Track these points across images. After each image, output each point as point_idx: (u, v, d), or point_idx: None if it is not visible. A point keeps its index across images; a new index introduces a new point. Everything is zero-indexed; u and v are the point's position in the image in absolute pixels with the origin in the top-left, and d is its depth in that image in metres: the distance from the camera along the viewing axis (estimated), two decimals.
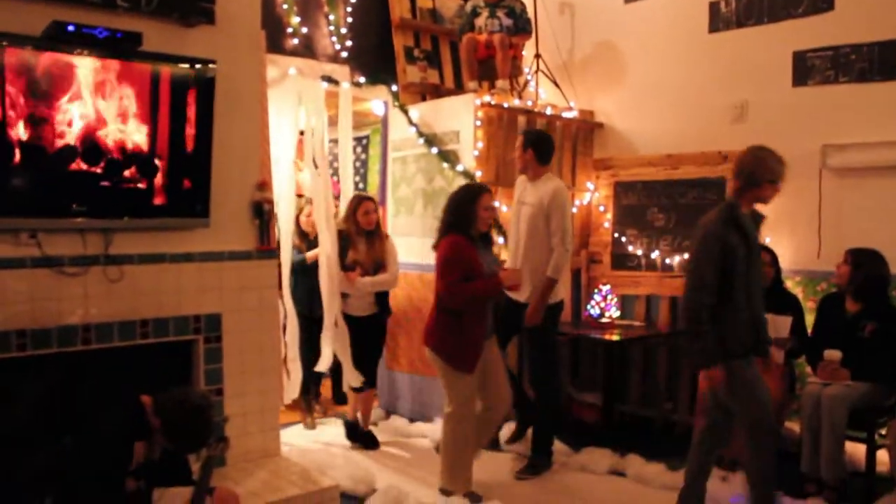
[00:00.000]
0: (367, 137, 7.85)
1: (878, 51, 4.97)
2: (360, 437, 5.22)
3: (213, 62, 3.95)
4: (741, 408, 3.68)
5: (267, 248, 4.37)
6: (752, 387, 3.64)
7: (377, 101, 6.13)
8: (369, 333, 5.22)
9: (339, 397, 6.22)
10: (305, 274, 5.39)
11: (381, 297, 5.23)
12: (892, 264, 4.50)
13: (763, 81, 5.48)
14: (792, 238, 5.26)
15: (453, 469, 4.22)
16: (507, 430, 5.18)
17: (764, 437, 3.67)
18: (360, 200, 5.16)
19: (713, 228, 3.61)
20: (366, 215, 5.08)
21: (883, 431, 4.37)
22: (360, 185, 7.82)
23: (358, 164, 7.97)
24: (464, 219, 4.19)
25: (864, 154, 4.97)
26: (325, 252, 5.23)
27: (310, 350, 5.44)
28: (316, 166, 5.42)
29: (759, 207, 3.78)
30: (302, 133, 5.51)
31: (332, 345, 5.24)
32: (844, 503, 4.13)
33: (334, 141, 7.79)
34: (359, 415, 5.29)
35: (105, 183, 3.71)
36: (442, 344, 4.17)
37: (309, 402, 5.68)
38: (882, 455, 4.34)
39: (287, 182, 5.32)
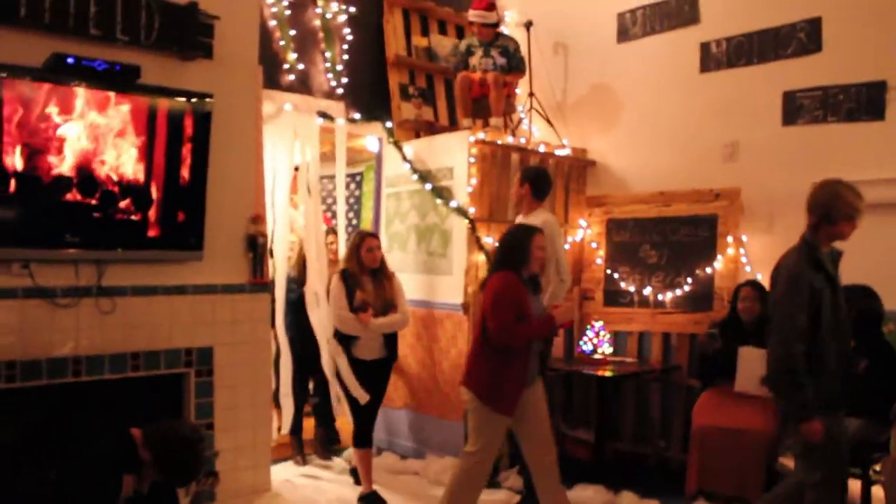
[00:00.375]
0: (360, 174, 7.88)
1: (865, 91, 5.05)
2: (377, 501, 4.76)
3: (210, 96, 4.00)
4: (816, 463, 3.42)
5: (260, 282, 4.37)
6: (837, 444, 3.41)
7: (371, 137, 6.18)
8: (377, 379, 4.88)
9: (330, 438, 6.01)
10: (300, 311, 5.32)
11: (391, 340, 4.90)
12: (886, 300, 4.51)
13: (754, 120, 5.54)
14: None
15: None
16: None
17: (832, 494, 3.45)
18: (362, 237, 4.90)
19: (798, 270, 3.37)
20: (369, 252, 4.79)
21: (877, 467, 4.35)
22: (354, 222, 7.84)
23: (352, 200, 8.00)
24: (517, 257, 4.03)
25: None
26: (313, 285, 5.26)
27: (303, 389, 5.41)
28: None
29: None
30: (297, 169, 5.53)
31: (332, 377, 5.22)
32: None
33: (329, 177, 7.86)
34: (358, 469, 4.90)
35: (99, 214, 3.72)
36: (481, 385, 3.96)
37: (300, 441, 5.60)
38: (877, 491, 4.32)
39: (282, 217, 5.34)
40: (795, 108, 5.33)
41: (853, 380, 4.33)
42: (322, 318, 5.25)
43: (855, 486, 4.39)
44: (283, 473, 5.15)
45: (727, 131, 5.68)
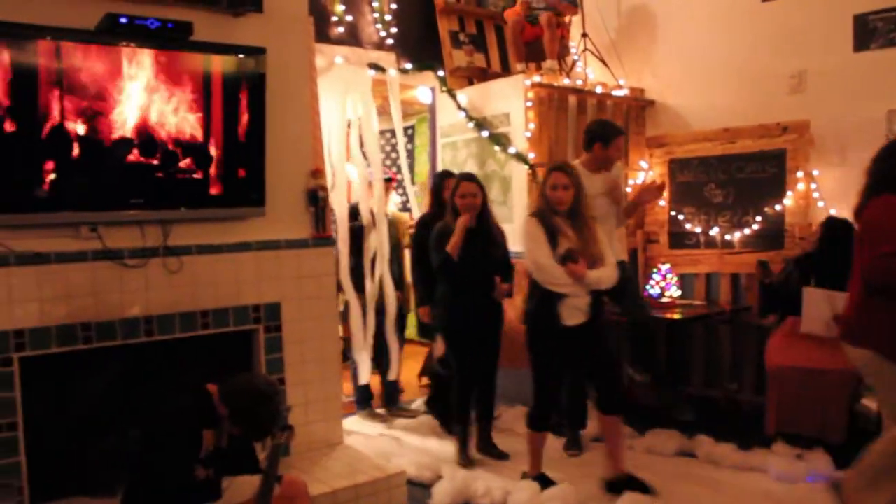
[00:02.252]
0: (412, 127, 7.82)
1: None
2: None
3: (264, 51, 3.93)
4: None
5: (323, 236, 4.34)
6: None
7: (423, 87, 6.09)
8: (583, 347, 3.95)
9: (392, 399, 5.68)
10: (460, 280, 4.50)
11: (597, 299, 3.97)
12: None
13: (821, 48, 5.30)
14: None
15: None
16: None
17: None
18: (549, 172, 4.03)
19: None
20: (554, 191, 3.90)
21: None
22: (408, 176, 7.80)
23: (405, 154, 7.95)
24: None
25: None
26: (373, 245, 5.28)
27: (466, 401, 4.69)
28: (365, 157, 5.41)
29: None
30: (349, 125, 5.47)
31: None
32: None
33: (381, 132, 7.80)
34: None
35: (161, 174, 3.71)
36: (888, 339, 3.15)
37: (465, 443, 4.64)
38: None
39: (340, 174, 5.30)
40: (868, 31, 5.08)
41: None
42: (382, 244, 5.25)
43: None
44: (353, 426, 5.19)
45: (793, 61, 5.45)
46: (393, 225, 5.55)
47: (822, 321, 4.50)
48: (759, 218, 5.44)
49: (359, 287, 5.35)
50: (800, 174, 5.27)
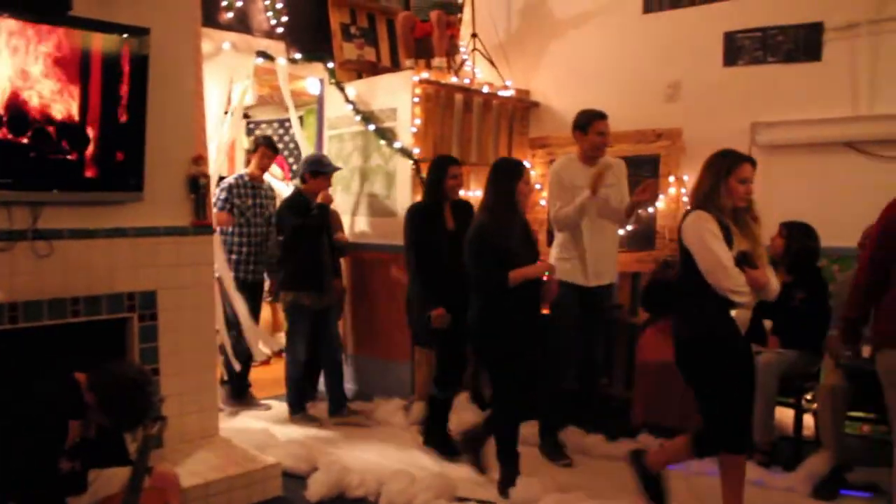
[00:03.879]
0: (300, 118, 7.75)
1: (804, 32, 5.13)
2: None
3: (147, 31, 3.82)
4: None
5: (203, 224, 4.26)
6: None
7: (312, 78, 6.06)
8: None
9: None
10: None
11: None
12: (824, 237, 4.60)
13: (695, 61, 5.60)
14: None
15: None
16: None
17: None
18: (737, 160, 3.39)
19: None
20: (742, 185, 3.35)
21: (809, 396, 4.54)
22: (295, 167, 7.74)
23: (291, 145, 7.88)
24: None
25: (792, 131, 5.12)
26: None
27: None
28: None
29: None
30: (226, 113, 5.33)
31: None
32: (774, 465, 4.26)
33: (268, 122, 7.72)
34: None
35: (32, 154, 3.55)
36: None
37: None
38: (808, 419, 4.52)
39: (218, 160, 5.20)
40: (736, 48, 5.40)
41: (789, 313, 4.51)
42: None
43: (788, 414, 4.58)
44: (230, 418, 5.13)
45: (669, 72, 5.72)
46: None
47: None
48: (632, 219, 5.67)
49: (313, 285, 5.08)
50: (671, 179, 5.55)
